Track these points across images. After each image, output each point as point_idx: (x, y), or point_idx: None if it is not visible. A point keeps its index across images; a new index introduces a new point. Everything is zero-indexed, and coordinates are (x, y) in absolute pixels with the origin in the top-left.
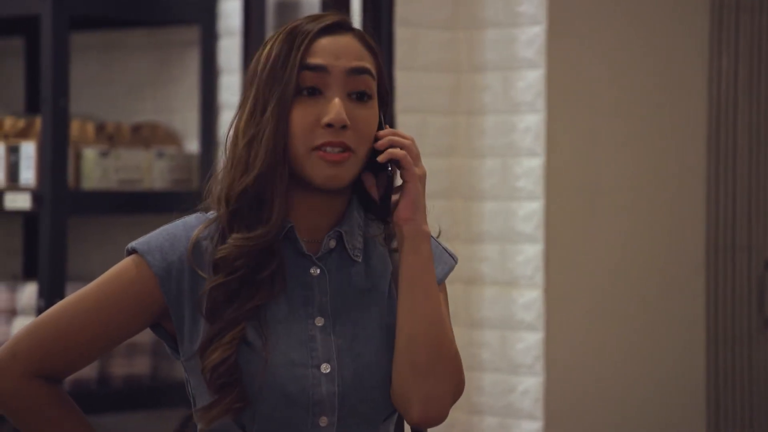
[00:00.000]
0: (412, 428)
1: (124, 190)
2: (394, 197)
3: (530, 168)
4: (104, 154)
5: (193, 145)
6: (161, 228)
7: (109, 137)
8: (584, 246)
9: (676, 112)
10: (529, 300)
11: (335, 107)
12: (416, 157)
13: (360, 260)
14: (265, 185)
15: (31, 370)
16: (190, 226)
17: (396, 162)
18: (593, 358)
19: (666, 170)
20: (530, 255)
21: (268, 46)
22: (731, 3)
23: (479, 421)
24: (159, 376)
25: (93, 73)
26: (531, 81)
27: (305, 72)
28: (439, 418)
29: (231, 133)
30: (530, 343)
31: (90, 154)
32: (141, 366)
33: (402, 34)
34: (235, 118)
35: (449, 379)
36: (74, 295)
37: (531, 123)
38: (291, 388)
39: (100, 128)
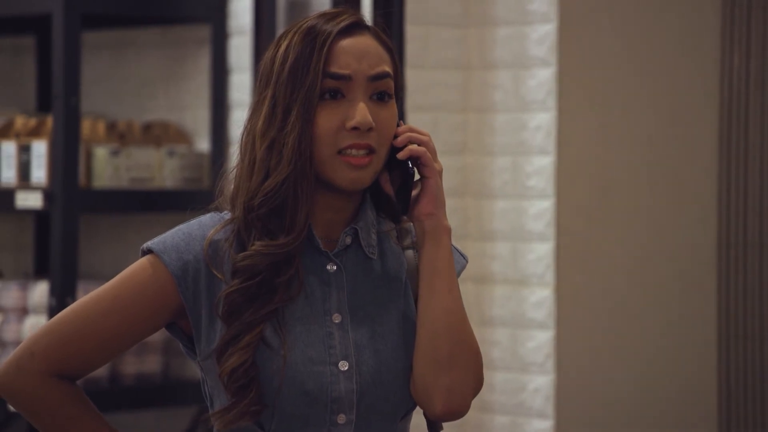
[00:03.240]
0: (428, 424)
1: (135, 188)
2: (413, 193)
3: (541, 166)
4: (115, 153)
5: (203, 144)
6: (176, 228)
7: (120, 136)
8: (595, 244)
9: (688, 110)
10: (540, 298)
11: (361, 111)
12: (434, 153)
13: (375, 257)
14: (290, 190)
15: (49, 370)
16: (205, 225)
17: (413, 158)
18: (604, 356)
19: (677, 167)
20: (541, 253)
21: (282, 46)
22: (743, 1)
23: (490, 420)
24: (170, 374)
25: (104, 72)
26: (542, 79)
27: (327, 78)
28: (462, 411)
29: (245, 133)
30: (541, 341)
31: (101, 152)
32: (152, 364)
33: (413, 32)
34: (248, 117)
35: (471, 371)
36: (90, 295)
37: (542, 121)
38: (309, 386)
39: (111, 127)
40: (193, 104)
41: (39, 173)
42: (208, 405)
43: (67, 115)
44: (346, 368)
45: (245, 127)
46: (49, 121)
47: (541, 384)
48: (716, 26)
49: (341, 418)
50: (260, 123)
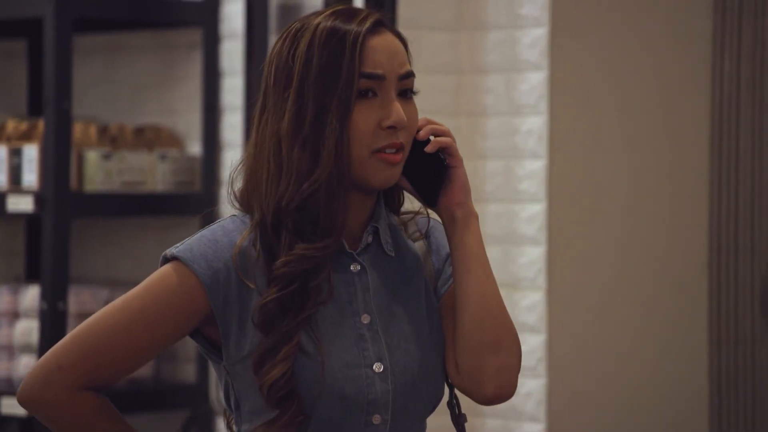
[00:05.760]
0: (453, 417)
1: (127, 192)
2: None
3: (533, 170)
4: (107, 157)
5: (195, 148)
6: (199, 234)
7: (111, 139)
8: (587, 248)
9: (679, 115)
10: (531, 302)
11: (397, 110)
12: (455, 142)
13: (393, 254)
14: (327, 192)
15: (78, 383)
16: (228, 230)
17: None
18: (596, 360)
19: (669, 172)
20: (533, 257)
21: (302, 45)
22: (734, 6)
23: (482, 424)
24: (162, 378)
25: (96, 75)
26: (533, 83)
27: (363, 79)
28: (512, 392)
29: (264, 134)
30: (533, 345)
31: (92, 156)
32: (144, 368)
33: (405, 36)
34: (264, 118)
35: (516, 351)
36: (114, 305)
37: (533, 125)
38: (348, 391)
39: (103, 130)
40: (185, 108)
41: (30, 177)
42: (230, 408)
43: (59, 118)
44: (381, 370)
45: (260, 127)
46: (41, 124)
47: (533, 388)
48: (707, 31)
49: (376, 419)
50: (286, 124)
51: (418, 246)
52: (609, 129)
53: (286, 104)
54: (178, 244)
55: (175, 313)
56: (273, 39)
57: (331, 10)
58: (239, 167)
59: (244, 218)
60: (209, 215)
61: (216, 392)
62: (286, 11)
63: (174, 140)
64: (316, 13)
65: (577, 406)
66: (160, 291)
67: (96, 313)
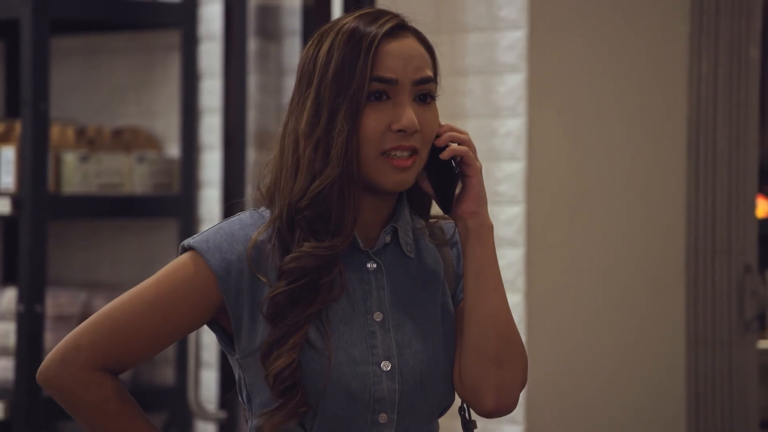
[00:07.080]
0: (463, 422)
1: (105, 194)
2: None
3: (511, 172)
4: (84, 159)
5: (173, 149)
6: (217, 226)
7: (89, 141)
8: (565, 250)
9: (657, 116)
10: (510, 304)
11: (408, 114)
12: (474, 151)
13: (413, 256)
14: (337, 192)
15: (94, 364)
16: (246, 224)
17: (455, 157)
18: (574, 361)
19: (647, 174)
20: (512, 259)
21: (324, 47)
22: (711, 7)
23: (460, 425)
24: (140, 380)
25: (74, 77)
26: (512, 85)
27: (374, 82)
28: (511, 407)
29: (286, 132)
30: None
31: (70, 158)
32: None
33: None
34: (288, 116)
35: (519, 367)
36: (133, 291)
37: (512, 127)
38: (353, 387)
39: (81, 132)
40: (164, 110)
41: (7, 179)
42: (244, 401)
43: (36, 120)
44: (388, 368)
45: (285, 126)
46: (18, 126)
47: None
48: (684, 33)
49: (383, 418)
50: (303, 124)
51: (444, 252)
52: (587, 131)
53: (306, 104)
54: (196, 235)
55: (190, 303)
56: (251, 40)
57: (360, 12)
58: (268, 163)
59: (263, 212)
60: (189, 217)
61: (194, 394)
62: (265, 13)
63: (152, 142)
64: (348, 14)
65: (557, 407)
66: (176, 280)
67: (118, 297)
